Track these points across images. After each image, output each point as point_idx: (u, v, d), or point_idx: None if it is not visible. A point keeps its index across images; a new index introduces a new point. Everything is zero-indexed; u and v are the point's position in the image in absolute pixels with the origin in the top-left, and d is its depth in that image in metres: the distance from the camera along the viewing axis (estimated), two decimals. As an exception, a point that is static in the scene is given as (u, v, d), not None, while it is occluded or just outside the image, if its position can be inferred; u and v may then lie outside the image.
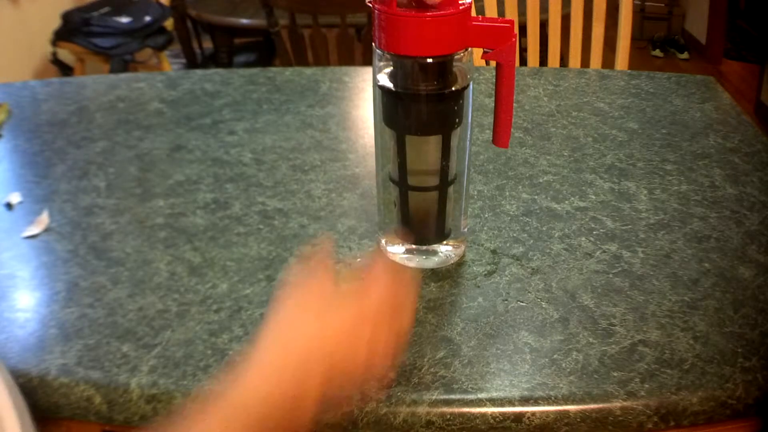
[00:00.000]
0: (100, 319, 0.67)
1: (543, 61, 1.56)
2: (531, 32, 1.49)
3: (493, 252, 0.76)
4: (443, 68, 0.63)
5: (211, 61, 2.79)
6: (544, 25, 1.49)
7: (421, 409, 0.58)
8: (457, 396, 0.59)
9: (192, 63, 2.78)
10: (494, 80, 0.67)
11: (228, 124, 1.04)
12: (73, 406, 0.60)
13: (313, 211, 0.83)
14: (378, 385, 0.56)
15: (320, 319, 0.49)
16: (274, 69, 1.24)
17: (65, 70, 2.65)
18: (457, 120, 0.66)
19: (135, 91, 1.16)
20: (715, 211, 0.82)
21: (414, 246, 0.74)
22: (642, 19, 3.91)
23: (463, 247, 0.75)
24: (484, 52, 0.64)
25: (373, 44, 0.64)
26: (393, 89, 0.64)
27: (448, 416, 0.58)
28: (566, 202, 0.84)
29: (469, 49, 0.64)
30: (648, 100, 1.10)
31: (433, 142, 0.67)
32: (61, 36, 2.56)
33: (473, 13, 0.66)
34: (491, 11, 1.46)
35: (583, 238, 0.78)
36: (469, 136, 0.69)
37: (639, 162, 0.92)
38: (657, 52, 3.80)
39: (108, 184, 0.89)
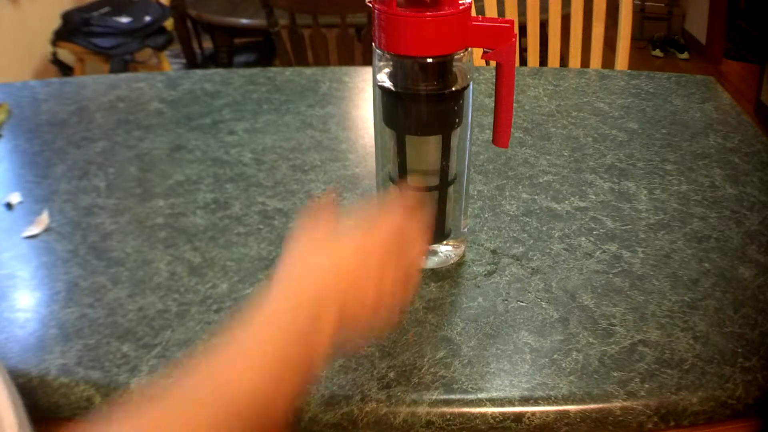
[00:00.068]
0: (100, 319, 0.67)
1: (543, 61, 1.56)
2: (531, 32, 1.49)
3: (493, 252, 0.76)
4: (443, 68, 0.63)
5: (211, 61, 2.79)
6: (544, 25, 1.49)
7: (421, 409, 0.58)
8: (457, 396, 0.59)
9: (192, 63, 2.78)
10: (494, 80, 0.67)
11: (228, 124, 1.04)
12: (73, 406, 0.60)
13: (313, 211, 0.83)
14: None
15: (332, 258, 0.50)
16: (274, 69, 1.24)
17: (65, 70, 2.65)
18: (457, 120, 0.66)
19: (135, 91, 1.16)
20: (715, 211, 0.82)
21: (414, 246, 0.74)
22: (642, 19, 3.91)
23: (463, 247, 0.75)
24: (484, 52, 0.64)
25: (373, 44, 0.64)
26: (393, 89, 0.64)
27: (448, 416, 0.58)
28: (566, 202, 0.84)
29: (469, 49, 0.64)
30: (648, 100, 1.10)
31: (433, 142, 0.67)
32: (61, 36, 2.56)
33: (473, 13, 0.65)
34: (491, 11, 1.46)
35: (583, 238, 0.78)
36: (469, 136, 0.69)
37: (639, 162, 0.92)
38: (657, 52, 3.81)
39: (108, 184, 0.89)
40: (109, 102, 1.12)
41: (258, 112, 1.07)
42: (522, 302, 0.69)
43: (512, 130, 0.70)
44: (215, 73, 1.22)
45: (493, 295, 0.70)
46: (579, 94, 1.13)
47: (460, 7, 0.60)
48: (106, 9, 2.63)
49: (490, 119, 0.69)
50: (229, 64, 2.55)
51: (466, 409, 0.58)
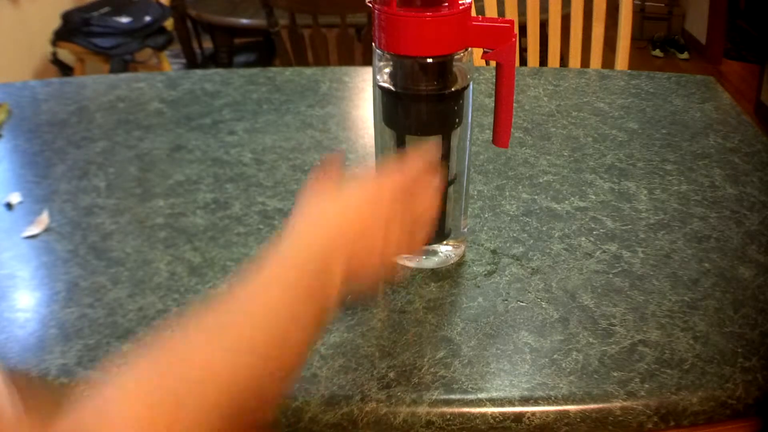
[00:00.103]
0: (100, 319, 0.67)
1: (543, 61, 1.56)
2: (531, 32, 1.49)
3: (493, 252, 0.76)
4: (443, 68, 0.63)
5: (211, 61, 2.79)
6: (544, 25, 1.49)
7: (421, 409, 0.58)
8: (457, 396, 0.59)
9: (192, 63, 2.78)
10: (494, 80, 0.67)
11: (228, 124, 1.04)
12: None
13: (313, 211, 0.83)
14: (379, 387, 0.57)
15: (341, 211, 0.52)
16: (274, 69, 1.24)
17: (65, 70, 2.65)
18: (457, 120, 0.66)
19: (135, 91, 1.16)
20: (715, 211, 0.82)
21: (414, 246, 0.74)
22: (642, 19, 3.91)
23: (463, 247, 0.75)
24: (484, 52, 0.64)
25: (373, 44, 0.64)
26: (393, 89, 0.64)
27: (448, 416, 0.58)
28: (566, 202, 0.84)
29: (469, 49, 0.64)
30: (648, 100, 1.10)
31: (433, 143, 0.67)
32: (61, 36, 2.56)
33: (473, 13, 0.65)
34: (491, 11, 1.46)
35: (583, 238, 0.78)
36: (469, 136, 0.69)
37: (639, 162, 0.92)
38: (657, 52, 3.81)
39: (108, 184, 0.89)
40: (109, 102, 1.12)
41: (258, 112, 1.07)
42: (522, 302, 0.69)
43: (512, 130, 0.70)
44: (215, 73, 1.22)
45: (493, 295, 0.70)
46: (579, 94, 1.13)
47: (460, 7, 0.60)
48: (106, 9, 2.63)
49: (490, 119, 0.69)
50: (229, 64, 2.55)
51: (466, 409, 0.58)
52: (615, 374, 0.60)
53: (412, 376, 0.60)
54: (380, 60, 0.65)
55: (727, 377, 0.60)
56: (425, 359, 0.62)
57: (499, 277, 0.72)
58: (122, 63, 2.57)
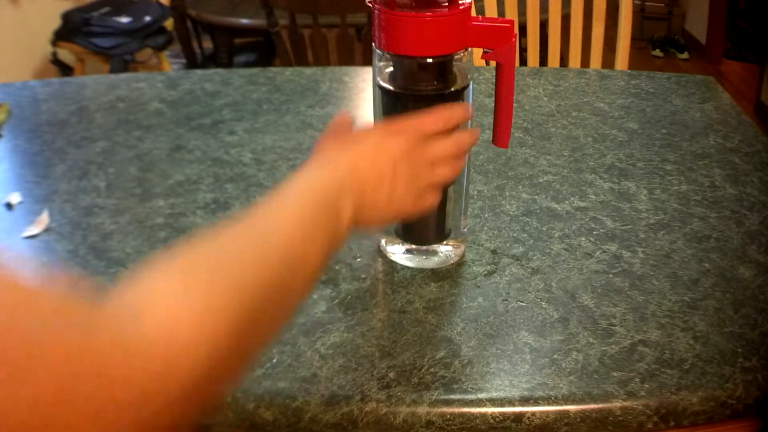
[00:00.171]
0: (100, 319, 0.67)
1: (543, 61, 1.56)
2: (531, 32, 1.49)
3: (493, 252, 0.76)
4: (443, 68, 0.63)
5: (211, 61, 2.79)
6: (544, 25, 1.49)
7: (421, 409, 0.58)
8: (457, 396, 0.59)
9: (192, 63, 2.78)
10: (494, 80, 0.67)
11: (228, 124, 1.04)
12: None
13: (313, 211, 0.83)
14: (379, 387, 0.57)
15: (355, 155, 0.56)
16: (274, 69, 1.24)
17: (65, 70, 2.65)
18: (457, 120, 0.66)
19: (135, 91, 1.16)
20: (715, 211, 0.82)
21: (414, 246, 0.74)
22: (642, 19, 3.91)
23: (463, 247, 0.75)
24: (484, 52, 0.64)
25: (373, 44, 0.64)
26: (393, 89, 0.64)
27: (448, 416, 0.58)
28: (566, 202, 0.84)
29: (469, 49, 0.64)
30: (648, 100, 1.10)
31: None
32: (61, 36, 2.56)
33: (473, 13, 0.65)
34: (491, 11, 1.46)
35: (583, 238, 0.78)
36: (469, 136, 0.69)
37: (639, 162, 0.92)
38: (657, 52, 3.81)
39: (108, 184, 0.89)
40: (109, 102, 1.12)
41: (258, 112, 1.07)
42: (522, 302, 0.69)
43: (512, 130, 0.70)
44: (215, 73, 1.22)
45: (493, 295, 0.70)
46: (579, 94, 1.13)
47: (460, 7, 0.60)
48: (106, 9, 2.63)
49: (490, 119, 0.69)
50: (229, 64, 2.55)
51: (466, 409, 0.58)
52: (615, 374, 0.60)
53: (412, 376, 0.60)
54: (380, 60, 0.65)
55: (727, 377, 0.60)
56: (425, 359, 0.62)
57: (499, 277, 0.72)
58: (122, 63, 2.57)
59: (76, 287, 0.32)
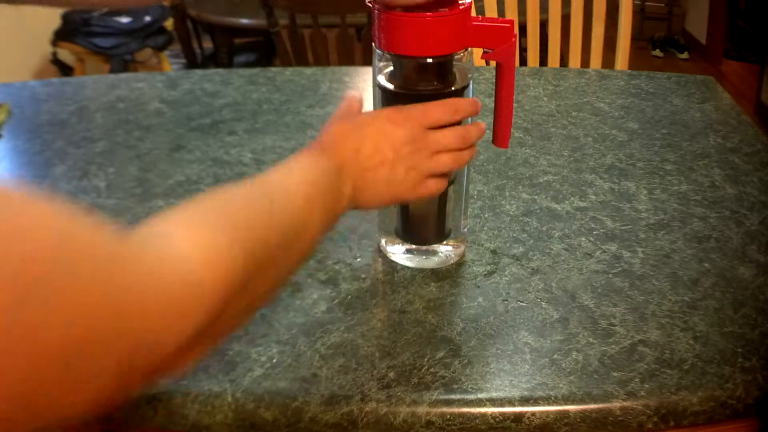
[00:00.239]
0: (100, 319, 0.67)
1: (543, 61, 1.56)
2: (531, 32, 1.49)
3: (493, 252, 0.76)
4: (443, 68, 0.63)
5: (211, 61, 2.79)
6: (544, 25, 1.49)
7: (421, 409, 0.58)
8: (457, 396, 0.59)
9: (192, 63, 2.79)
10: (494, 80, 0.67)
11: (228, 124, 1.04)
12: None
13: (313, 211, 0.83)
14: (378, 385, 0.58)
15: (355, 141, 0.59)
16: (274, 69, 1.24)
17: (65, 70, 2.65)
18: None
19: (135, 91, 1.16)
20: (715, 211, 0.82)
21: (414, 246, 0.74)
22: (642, 19, 3.91)
23: (463, 247, 0.75)
24: (484, 52, 0.64)
25: (373, 44, 0.64)
26: (393, 89, 0.64)
27: (448, 416, 0.58)
28: (566, 202, 0.84)
29: (469, 49, 0.64)
30: (648, 100, 1.10)
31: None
32: (61, 36, 2.57)
33: (473, 13, 0.65)
34: (491, 11, 1.46)
35: (583, 238, 0.78)
36: (469, 136, 0.69)
37: (639, 162, 0.92)
38: (657, 52, 3.81)
39: (108, 184, 0.89)
40: (109, 102, 1.12)
41: (258, 112, 1.07)
42: (522, 302, 0.69)
43: (512, 130, 0.70)
44: (215, 73, 1.22)
45: (493, 295, 0.70)
46: (579, 94, 1.13)
47: (460, 7, 0.60)
48: (106, 9, 2.63)
49: (490, 119, 0.69)
50: (229, 64, 2.55)
51: (466, 409, 0.58)
52: (615, 374, 0.60)
53: (412, 376, 0.60)
54: (380, 60, 0.65)
55: (727, 377, 0.60)
56: (425, 359, 0.62)
57: (499, 277, 0.72)
58: (122, 63, 2.57)
59: (103, 223, 0.33)
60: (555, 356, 0.62)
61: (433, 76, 0.64)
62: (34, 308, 0.26)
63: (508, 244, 0.77)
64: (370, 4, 0.62)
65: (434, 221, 0.71)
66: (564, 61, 1.57)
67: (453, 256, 0.74)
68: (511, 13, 1.46)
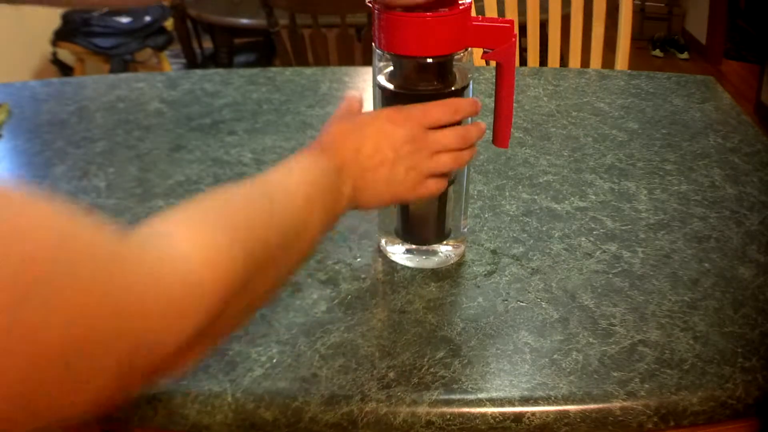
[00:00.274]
0: (100, 319, 0.67)
1: (543, 61, 1.56)
2: (531, 32, 1.49)
3: (493, 252, 0.76)
4: (443, 68, 0.63)
5: (211, 61, 2.79)
6: (544, 25, 1.49)
7: (421, 409, 0.58)
8: (457, 396, 0.59)
9: (192, 63, 2.79)
10: (494, 80, 0.67)
11: (228, 124, 1.04)
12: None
13: (313, 211, 0.83)
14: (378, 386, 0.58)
15: (355, 141, 0.60)
16: (274, 69, 1.24)
17: (65, 70, 2.65)
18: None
19: (135, 91, 1.16)
20: (715, 211, 0.82)
21: (414, 246, 0.74)
22: (642, 19, 3.91)
23: (463, 247, 0.75)
24: (484, 52, 0.64)
25: (373, 44, 0.64)
26: (393, 89, 0.64)
27: (448, 416, 0.58)
28: (566, 202, 0.84)
29: (469, 49, 0.64)
30: (648, 100, 1.10)
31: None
32: (61, 36, 2.57)
33: (473, 13, 0.65)
34: (491, 11, 1.46)
35: (583, 238, 0.78)
36: (469, 136, 0.69)
37: (639, 162, 0.92)
38: (657, 52, 3.81)
39: (108, 184, 0.89)
40: (109, 102, 1.12)
41: (258, 112, 1.07)
42: (522, 302, 0.69)
43: (512, 130, 0.70)
44: (215, 73, 1.22)
45: (493, 295, 0.70)
46: (579, 94, 1.13)
47: (461, 7, 0.60)
48: (106, 9, 2.63)
49: (490, 119, 0.69)
50: (229, 64, 2.55)
51: (466, 409, 0.58)
52: (615, 374, 0.60)
53: (412, 376, 0.60)
54: (380, 60, 0.65)
55: (727, 377, 0.60)
56: (425, 359, 0.62)
57: (499, 277, 0.72)
58: (122, 63, 2.57)
59: (103, 223, 0.33)
60: (555, 356, 0.62)
61: (433, 76, 0.64)
62: (34, 308, 0.26)
63: (508, 244, 0.77)
64: (370, 4, 0.62)
65: (434, 221, 0.71)
66: (564, 61, 1.57)
67: (453, 256, 0.74)
68: (511, 13, 1.46)
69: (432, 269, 0.73)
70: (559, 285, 0.71)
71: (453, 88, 0.64)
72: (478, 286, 0.71)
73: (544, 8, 1.46)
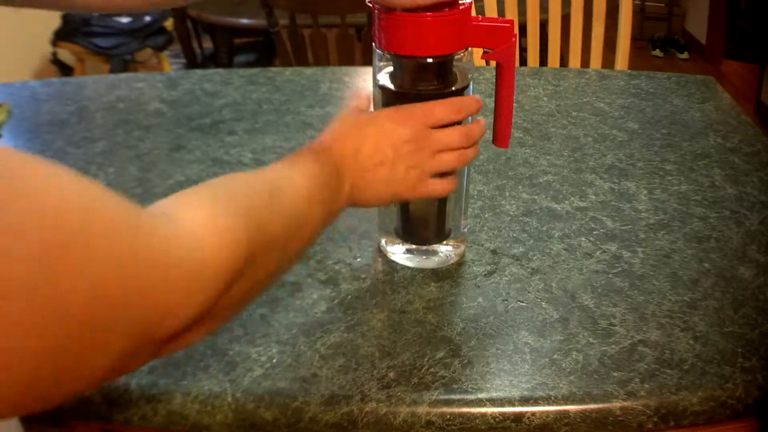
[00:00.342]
0: (100, 319, 0.67)
1: (543, 61, 1.56)
2: (531, 32, 1.49)
3: (493, 252, 0.76)
4: (443, 68, 0.63)
5: (211, 61, 2.79)
6: (544, 25, 1.49)
7: (421, 409, 0.58)
8: (457, 396, 0.59)
9: (192, 63, 2.79)
10: (494, 80, 0.67)
11: (228, 124, 1.04)
12: (73, 406, 0.60)
13: (313, 211, 0.83)
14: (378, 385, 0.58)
15: (355, 141, 0.60)
16: (274, 69, 1.24)
17: (65, 70, 2.65)
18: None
19: (135, 91, 1.16)
20: (715, 211, 0.82)
21: (414, 246, 0.74)
22: (642, 19, 3.91)
23: (463, 247, 0.75)
24: (485, 52, 0.64)
25: (374, 44, 0.64)
26: (393, 89, 0.64)
27: (448, 416, 0.58)
28: (566, 202, 0.84)
29: (470, 49, 0.64)
30: (648, 100, 1.10)
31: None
32: (61, 36, 2.57)
33: (473, 13, 0.65)
34: (491, 11, 1.46)
35: (583, 238, 0.78)
36: (469, 136, 0.69)
37: (639, 162, 0.92)
38: (657, 52, 3.81)
39: (108, 184, 0.89)
40: (109, 102, 1.12)
41: (258, 112, 1.07)
42: (522, 302, 0.69)
43: (512, 130, 0.70)
44: (215, 73, 1.22)
45: (493, 295, 0.70)
46: (579, 94, 1.13)
47: (461, 7, 0.60)
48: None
49: (490, 119, 0.69)
50: (229, 64, 2.55)
51: (466, 409, 0.58)
52: (615, 374, 0.60)
53: (412, 376, 0.60)
54: (380, 60, 0.65)
55: (727, 377, 0.60)
56: (425, 359, 0.62)
57: (499, 277, 0.72)
58: (122, 63, 2.57)
59: (121, 198, 0.35)
60: (555, 356, 0.62)
61: (434, 76, 0.64)
62: (59, 274, 0.28)
63: (508, 244, 0.77)
64: (371, 4, 0.62)
65: (434, 221, 0.71)
66: (564, 61, 1.57)
67: (453, 256, 0.74)
68: (511, 13, 1.46)
69: (432, 269, 0.73)
70: (559, 285, 0.71)
71: (453, 88, 0.64)
72: (478, 286, 0.71)
73: (544, 8, 1.46)
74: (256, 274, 0.44)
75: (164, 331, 0.35)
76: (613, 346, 0.63)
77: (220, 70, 1.23)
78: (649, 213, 0.82)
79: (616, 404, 0.58)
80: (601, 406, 0.58)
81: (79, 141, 1.00)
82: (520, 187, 0.87)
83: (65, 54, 2.63)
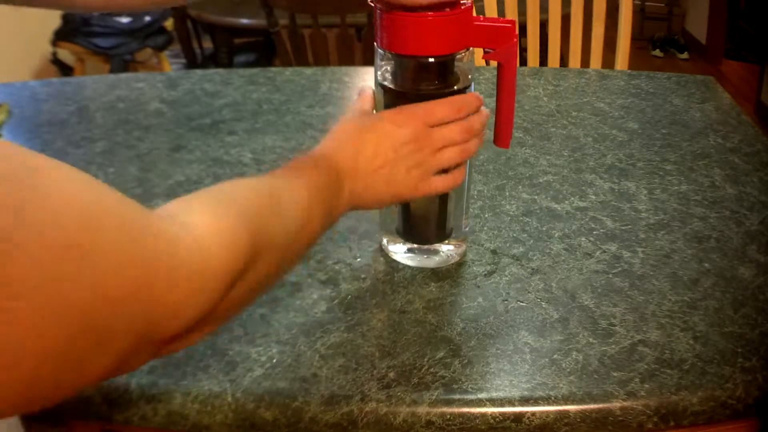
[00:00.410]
0: (100, 319, 0.67)
1: (543, 61, 1.56)
2: (531, 32, 1.50)
3: (493, 252, 0.76)
4: (445, 68, 0.63)
5: (211, 61, 2.79)
6: (544, 25, 1.49)
7: (421, 409, 0.58)
8: (457, 396, 0.59)
9: (192, 63, 2.79)
10: (495, 80, 0.67)
11: (228, 124, 1.04)
12: (73, 406, 0.60)
13: (313, 211, 0.83)
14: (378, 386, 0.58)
15: (356, 143, 0.61)
16: (274, 69, 1.24)
17: (65, 70, 2.65)
18: (457, 120, 0.66)
19: (135, 91, 1.16)
20: (715, 211, 0.82)
21: (415, 245, 0.74)
22: (642, 19, 3.91)
23: (464, 247, 0.75)
24: (485, 52, 0.64)
25: (375, 44, 0.64)
26: (395, 89, 0.64)
27: (448, 416, 0.58)
28: (566, 202, 0.84)
29: (471, 48, 0.64)
30: (648, 100, 1.10)
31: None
32: (61, 36, 2.57)
33: (473, 13, 0.65)
34: (491, 11, 1.46)
35: (583, 238, 0.78)
36: (469, 136, 0.69)
37: (639, 162, 0.92)
38: (657, 52, 3.81)
39: (108, 184, 0.89)
40: (109, 102, 1.12)
41: (258, 112, 1.07)
42: (522, 302, 0.69)
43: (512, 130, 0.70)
44: (215, 73, 1.22)
45: (493, 295, 0.70)
46: (579, 94, 1.13)
47: (462, 7, 0.60)
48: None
49: (491, 119, 0.69)
50: (229, 64, 2.55)
51: (466, 409, 0.58)
52: (615, 374, 0.60)
53: (412, 376, 0.60)
54: (382, 59, 0.65)
55: (727, 377, 0.60)
56: (425, 359, 0.62)
57: (499, 277, 0.72)
58: (122, 63, 2.57)
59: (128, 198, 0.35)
60: (555, 356, 0.62)
61: (435, 75, 0.64)
62: (65, 269, 0.28)
63: (508, 244, 0.77)
64: (372, 4, 0.62)
65: (436, 221, 0.71)
66: (564, 61, 1.57)
67: (454, 255, 0.75)
68: (511, 13, 1.46)
69: (432, 269, 0.73)
70: (559, 285, 0.71)
71: (454, 88, 0.64)
72: (478, 286, 0.71)
73: (544, 8, 1.46)
74: (257, 276, 0.45)
75: (165, 331, 0.35)
76: (613, 346, 0.63)
77: (220, 70, 1.23)
78: (649, 213, 0.82)
79: (616, 404, 0.58)
80: (601, 406, 0.58)
81: (79, 141, 1.00)
82: (520, 187, 0.87)
83: (65, 54, 2.63)
